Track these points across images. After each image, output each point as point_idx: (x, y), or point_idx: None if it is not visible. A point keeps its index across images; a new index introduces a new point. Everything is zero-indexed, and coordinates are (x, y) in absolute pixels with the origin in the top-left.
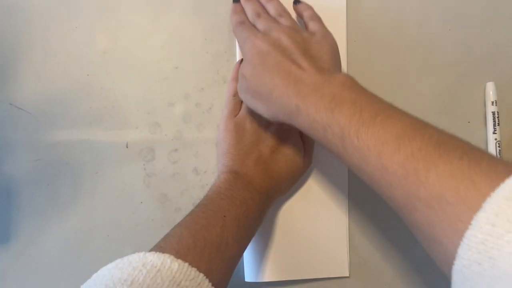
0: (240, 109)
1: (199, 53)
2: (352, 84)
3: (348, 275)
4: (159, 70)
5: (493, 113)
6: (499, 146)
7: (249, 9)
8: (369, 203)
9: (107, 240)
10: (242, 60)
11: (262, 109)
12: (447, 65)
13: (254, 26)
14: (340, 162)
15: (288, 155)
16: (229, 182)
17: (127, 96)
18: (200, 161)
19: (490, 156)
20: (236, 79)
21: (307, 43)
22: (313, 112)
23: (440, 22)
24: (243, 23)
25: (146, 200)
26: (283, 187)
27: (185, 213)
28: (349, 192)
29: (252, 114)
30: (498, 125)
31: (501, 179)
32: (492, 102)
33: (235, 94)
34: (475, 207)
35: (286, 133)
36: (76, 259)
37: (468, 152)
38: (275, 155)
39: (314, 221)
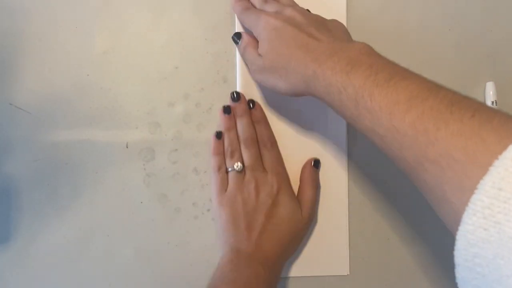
0: (227, 183)
1: (199, 53)
2: (370, 50)
3: (348, 273)
4: (159, 70)
5: None
6: None
7: None
8: (369, 201)
9: (107, 240)
10: (217, 133)
11: (280, 83)
12: (447, 65)
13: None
14: (340, 161)
15: (285, 216)
16: (232, 262)
17: (127, 96)
18: (200, 161)
19: (503, 114)
20: (217, 153)
21: (321, 20)
22: (329, 75)
23: (440, 22)
24: (249, 8)
25: (146, 200)
26: (289, 249)
27: (185, 213)
28: (349, 190)
29: (241, 187)
30: None
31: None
32: (492, 102)
33: (220, 168)
34: (484, 165)
35: (277, 196)
36: (76, 259)
37: (481, 110)
38: (272, 220)
39: (314, 220)
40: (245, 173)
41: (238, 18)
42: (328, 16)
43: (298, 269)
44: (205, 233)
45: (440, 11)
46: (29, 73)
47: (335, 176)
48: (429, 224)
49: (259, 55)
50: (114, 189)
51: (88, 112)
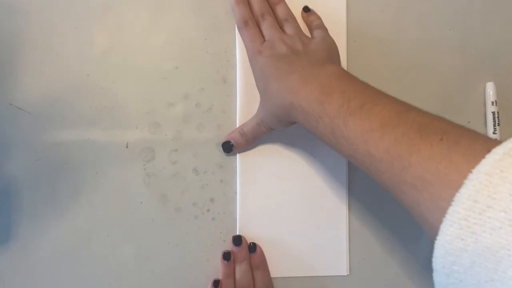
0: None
1: (199, 53)
2: (341, 74)
3: (347, 274)
4: (159, 70)
5: (493, 113)
6: None
7: (256, 6)
8: (368, 201)
9: (107, 240)
10: (214, 281)
11: (267, 116)
12: (447, 65)
13: (258, 26)
14: (339, 161)
15: None
16: None
17: (127, 96)
18: (200, 161)
19: (470, 133)
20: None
21: (305, 46)
22: (306, 105)
23: (440, 22)
24: (247, 24)
25: (146, 200)
26: None
27: (185, 213)
28: (349, 191)
29: None
30: (498, 125)
31: (480, 155)
32: (492, 102)
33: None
34: (456, 186)
35: None
36: (76, 259)
37: (449, 133)
38: None
39: (314, 219)
40: None
41: (237, 28)
42: (328, 16)
43: (298, 269)
44: (205, 233)
45: (440, 11)
46: (29, 73)
47: (334, 175)
48: None
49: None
50: (114, 189)
51: (88, 112)
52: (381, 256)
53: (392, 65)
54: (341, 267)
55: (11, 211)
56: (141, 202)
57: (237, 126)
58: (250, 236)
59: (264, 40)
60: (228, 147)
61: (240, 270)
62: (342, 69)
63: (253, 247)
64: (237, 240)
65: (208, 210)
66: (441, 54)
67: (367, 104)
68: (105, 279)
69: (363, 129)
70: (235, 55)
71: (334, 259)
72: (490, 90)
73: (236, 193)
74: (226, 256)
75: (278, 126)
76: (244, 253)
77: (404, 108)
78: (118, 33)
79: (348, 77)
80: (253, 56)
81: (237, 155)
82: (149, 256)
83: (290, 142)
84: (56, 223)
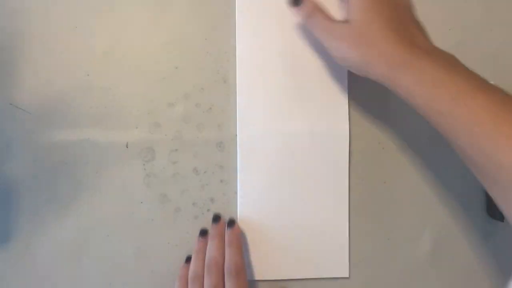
0: None
1: (199, 53)
2: (461, 62)
3: (348, 276)
4: (159, 70)
5: None
6: None
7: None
8: (369, 201)
9: (107, 240)
10: (187, 257)
11: (354, 56)
12: None
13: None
14: (340, 163)
15: None
16: None
17: (127, 96)
18: (200, 161)
19: None
20: (180, 277)
21: (412, 10)
22: (426, 66)
23: (440, 22)
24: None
25: (146, 200)
26: None
27: (185, 213)
28: (350, 192)
29: None
30: None
31: None
32: None
33: None
34: None
35: None
36: (76, 259)
37: None
38: None
39: (315, 221)
40: None
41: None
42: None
43: (297, 271)
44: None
45: (440, 11)
46: (29, 73)
47: (336, 176)
48: (429, 225)
49: (338, 21)
50: (114, 189)
51: (88, 112)
52: (382, 257)
53: None
54: (341, 269)
55: (11, 211)
56: (141, 202)
57: (238, 126)
58: (250, 236)
59: None
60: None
61: (212, 245)
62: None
63: (230, 223)
64: (216, 217)
65: (208, 210)
66: None
67: (488, 84)
68: (106, 279)
69: (490, 103)
70: (235, 55)
71: (335, 261)
72: None
73: (236, 193)
74: (202, 232)
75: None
76: (219, 230)
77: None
78: (118, 33)
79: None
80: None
81: (238, 155)
82: (149, 256)
83: (291, 142)
84: (56, 223)
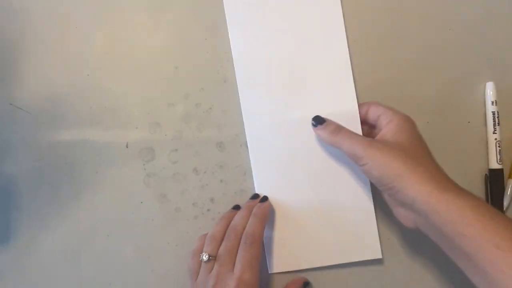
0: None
1: (199, 53)
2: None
3: (381, 257)
4: (159, 70)
5: (493, 113)
6: (499, 146)
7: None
8: None
9: (107, 240)
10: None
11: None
12: (447, 65)
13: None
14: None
15: None
16: None
17: (127, 96)
18: (200, 161)
19: None
20: (202, 238)
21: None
22: (445, 228)
23: (440, 22)
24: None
25: (146, 200)
26: None
27: (185, 213)
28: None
29: (205, 280)
30: (498, 125)
31: None
32: (492, 102)
33: (196, 253)
34: None
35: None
36: (76, 259)
37: None
38: None
39: (338, 204)
40: (212, 265)
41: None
42: (324, 14)
43: (327, 258)
44: (205, 233)
45: (440, 11)
46: (29, 73)
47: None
48: None
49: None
50: (114, 189)
51: (88, 112)
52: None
53: (392, 65)
54: (373, 251)
55: (11, 211)
56: (141, 202)
57: (244, 123)
58: (276, 228)
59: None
60: (320, 120)
61: (239, 214)
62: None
63: (264, 198)
64: (254, 196)
65: (208, 210)
66: (441, 54)
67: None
68: (106, 279)
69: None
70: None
71: (365, 243)
72: (490, 90)
73: (236, 193)
74: (235, 206)
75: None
76: (251, 204)
77: None
78: (118, 33)
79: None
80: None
81: (249, 153)
82: (149, 256)
83: (301, 128)
84: (56, 223)
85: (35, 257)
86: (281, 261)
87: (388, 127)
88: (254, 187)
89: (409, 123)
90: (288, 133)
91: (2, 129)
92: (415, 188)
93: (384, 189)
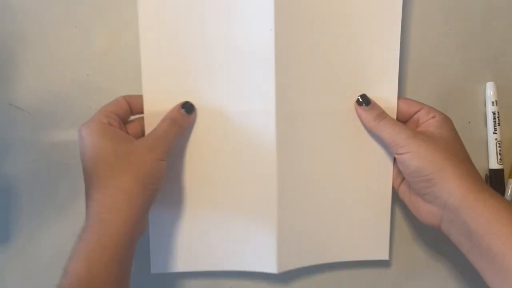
0: None
1: None
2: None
3: (387, 258)
4: None
5: (493, 113)
6: (499, 146)
7: None
8: None
9: None
10: None
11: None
12: (447, 65)
13: None
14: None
15: None
16: None
17: None
18: None
19: None
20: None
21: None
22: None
23: (440, 22)
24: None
25: None
26: None
27: None
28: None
29: None
30: (498, 125)
31: None
32: (492, 102)
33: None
34: None
35: None
36: None
37: None
38: None
39: (355, 202)
40: None
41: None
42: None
43: (334, 254)
44: None
45: (440, 11)
46: (29, 73)
47: (376, 153)
48: None
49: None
50: None
51: (88, 112)
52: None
53: None
54: (381, 252)
55: (11, 211)
56: None
57: (275, 116)
58: (293, 221)
59: None
60: (366, 100)
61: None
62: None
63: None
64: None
65: None
66: (441, 54)
67: None
68: None
69: None
70: None
71: (374, 242)
72: (490, 90)
73: None
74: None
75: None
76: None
77: None
78: (118, 33)
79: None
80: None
81: (275, 148)
82: (149, 256)
83: (327, 121)
84: (56, 223)
85: (35, 257)
86: (291, 257)
87: (431, 122)
88: None
89: (450, 121)
90: (314, 124)
91: (2, 129)
92: (455, 182)
93: (420, 180)
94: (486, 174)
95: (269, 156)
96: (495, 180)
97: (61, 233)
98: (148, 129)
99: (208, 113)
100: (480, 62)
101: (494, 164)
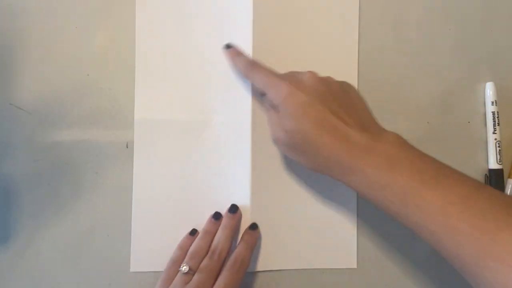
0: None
1: None
2: (403, 143)
3: (355, 267)
4: None
5: (493, 113)
6: (499, 146)
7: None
8: None
9: (107, 240)
10: (192, 229)
11: (306, 164)
12: (447, 65)
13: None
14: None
15: None
16: None
17: (127, 96)
18: None
19: None
20: (180, 247)
21: (342, 91)
22: (369, 171)
23: (440, 22)
24: (257, 65)
25: None
26: None
27: None
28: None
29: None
30: (498, 125)
31: None
32: (492, 102)
33: (174, 263)
34: None
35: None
36: (76, 259)
37: None
38: None
39: (323, 211)
40: (189, 279)
41: (244, 75)
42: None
43: (306, 261)
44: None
45: (440, 11)
46: (29, 73)
47: None
48: None
49: (283, 128)
50: (114, 189)
51: (88, 112)
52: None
53: (392, 65)
54: (349, 260)
55: (11, 211)
56: None
57: (250, 127)
58: (264, 226)
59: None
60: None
61: (223, 234)
62: (400, 136)
63: (253, 226)
64: (233, 208)
65: None
66: (441, 54)
67: (440, 176)
68: (105, 279)
69: (443, 201)
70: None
71: (343, 251)
72: (490, 90)
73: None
74: (216, 215)
75: (293, 157)
76: (233, 223)
77: (479, 184)
78: (118, 33)
79: (409, 146)
80: (290, 97)
81: (250, 154)
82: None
83: None
84: (56, 223)
85: (35, 257)
86: (262, 258)
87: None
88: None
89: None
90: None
91: (2, 129)
92: (329, 174)
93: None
94: (486, 174)
95: (244, 163)
96: (494, 180)
97: (61, 233)
98: (138, 134)
99: (193, 123)
100: (480, 62)
101: (493, 164)
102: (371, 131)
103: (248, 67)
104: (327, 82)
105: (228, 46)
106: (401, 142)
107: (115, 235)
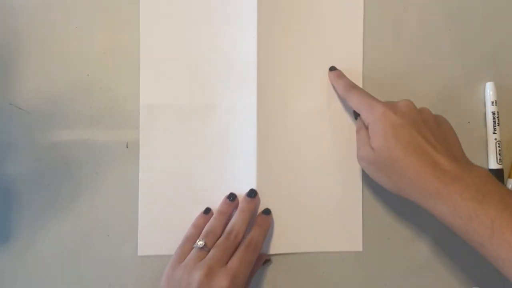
0: (185, 258)
1: None
2: (492, 177)
3: (361, 250)
4: None
5: (493, 113)
6: (499, 146)
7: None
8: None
9: (107, 240)
10: (206, 208)
11: (387, 184)
12: (447, 65)
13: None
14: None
15: None
16: None
17: (127, 96)
18: None
19: None
20: (194, 225)
21: (433, 120)
22: (458, 199)
23: (440, 22)
24: (356, 87)
25: None
26: None
27: None
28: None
29: (191, 267)
30: (498, 125)
31: None
32: (492, 102)
33: (188, 241)
34: None
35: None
36: (76, 259)
37: None
38: None
39: (329, 195)
40: (204, 256)
41: (342, 95)
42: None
43: (312, 244)
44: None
45: (440, 11)
46: (29, 73)
47: (349, 150)
48: None
49: (370, 146)
50: (114, 189)
51: (88, 112)
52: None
53: (392, 65)
54: (355, 244)
55: (11, 211)
56: None
57: (256, 117)
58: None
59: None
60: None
61: (240, 217)
62: (490, 173)
63: (267, 211)
64: (252, 192)
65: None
66: (441, 54)
67: None
68: (105, 279)
69: None
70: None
71: (348, 235)
72: (490, 90)
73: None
74: (231, 195)
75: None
76: (251, 207)
77: None
78: (118, 33)
79: (498, 183)
80: (384, 118)
81: (256, 139)
82: (149, 256)
83: (302, 121)
84: (56, 223)
85: (35, 257)
86: (270, 242)
87: (370, 132)
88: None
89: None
90: (293, 123)
91: (2, 129)
92: (410, 198)
93: None
94: None
95: (250, 147)
96: None
97: (61, 233)
98: (143, 121)
99: (198, 109)
100: (480, 62)
101: (493, 164)
102: (460, 162)
103: (347, 87)
104: (422, 111)
105: (332, 69)
106: (491, 177)
107: (115, 235)
